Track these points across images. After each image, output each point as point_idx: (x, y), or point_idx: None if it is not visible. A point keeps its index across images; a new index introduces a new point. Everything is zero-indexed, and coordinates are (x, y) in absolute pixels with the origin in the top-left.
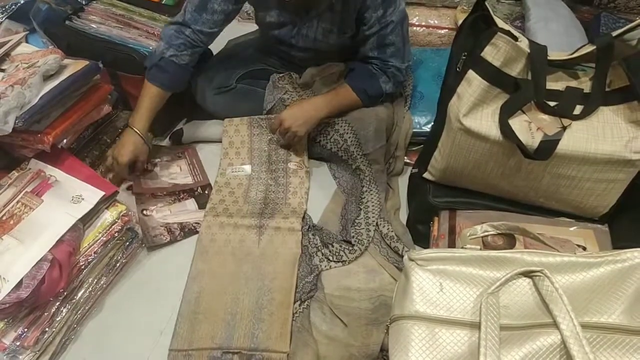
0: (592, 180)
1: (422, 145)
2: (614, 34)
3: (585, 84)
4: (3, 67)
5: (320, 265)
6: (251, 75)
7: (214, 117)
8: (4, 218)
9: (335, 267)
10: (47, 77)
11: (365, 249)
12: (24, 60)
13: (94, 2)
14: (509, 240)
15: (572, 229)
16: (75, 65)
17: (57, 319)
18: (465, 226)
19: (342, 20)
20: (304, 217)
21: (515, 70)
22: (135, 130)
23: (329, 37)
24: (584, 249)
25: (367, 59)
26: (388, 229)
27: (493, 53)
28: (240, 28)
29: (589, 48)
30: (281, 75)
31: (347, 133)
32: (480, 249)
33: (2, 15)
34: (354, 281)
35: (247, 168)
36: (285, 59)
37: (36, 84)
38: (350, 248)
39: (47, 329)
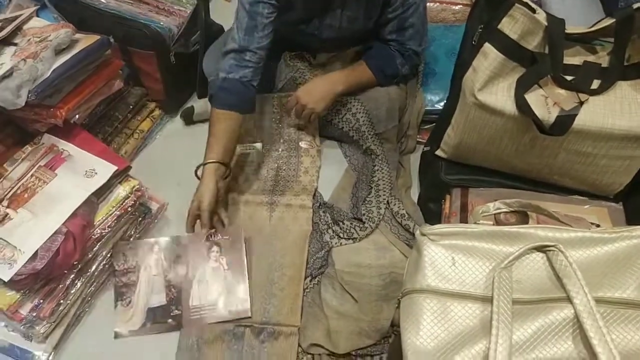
0: (608, 157)
1: (434, 124)
2: (635, 6)
3: (603, 59)
4: (15, 41)
5: (331, 242)
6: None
7: None
8: (19, 191)
9: (346, 244)
10: (58, 51)
11: (376, 227)
12: (36, 34)
13: None
14: (521, 217)
15: (586, 207)
16: (86, 40)
17: (72, 291)
18: (478, 204)
19: (368, 5)
20: (314, 195)
21: (532, 43)
22: (215, 162)
23: (354, 23)
24: (598, 227)
25: (386, 41)
26: (399, 206)
27: (510, 25)
28: None
29: (608, 21)
30: (294, 53)
31: (360, 112)
32: (494, 225)
33: None
34: (365, 258)
35: (258, 145)
36: (304, 46)
37: (48, 57)
38: (361, 225)
39: (62, 301)
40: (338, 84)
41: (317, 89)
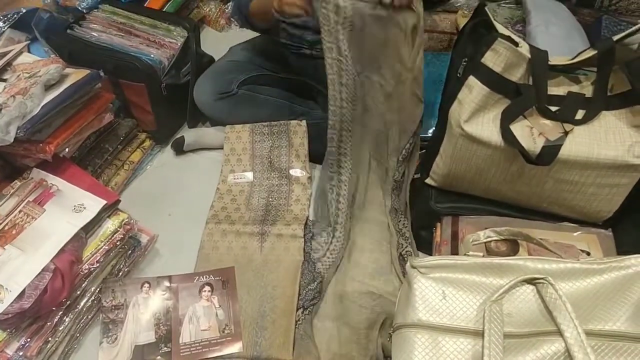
0: (595, 185)
1: (424, 151)
2: (615, 38)
3: (587, 89)
4: (5, 77)
5: (324, 273)
6: (253, 81)
7: (216, 123)
8: (6, 228)
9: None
10: (48, 87)
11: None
12: (26, 70)
13: (95, 10)
14: (512, 246)
15: (575, 234)
16: (76, 75)
17: (60, 329)
18: (468, 232)
19: None
20: (306, 224)
21: (516, 75)
22: None
23: None
24: (588, 254)
25: None
26: (404, 224)
27: (494, 59)
28: (241, 34)
29: (590, 53)
30: None
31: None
32: (483, 256)
33: (4, 25)
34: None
35: (249, 175)
36: (294, 48)
37: (38, 93)
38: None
39: (49, 339)
40: None
41: None
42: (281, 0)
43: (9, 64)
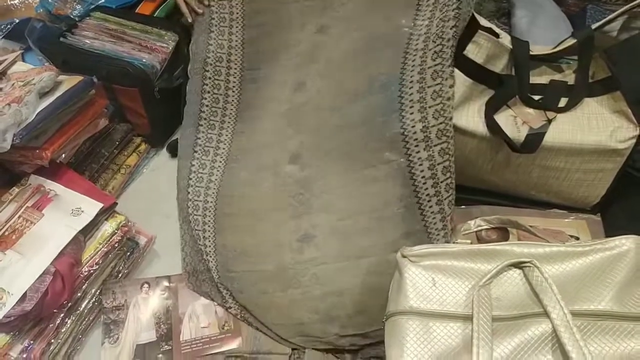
0: (581, 170)
1: None
2: (594, 26)
3: (569, 77)
4: (0, 86)
5: None
6: None
7: None
8: (7, 233)
9: None
10: (43, 94)
11: None
12: (20, 78)
13: (87, 17)
14: (502, 233)
15: (564, 220)
16: (70, 81)
17: (62, 330)
18: (459, 222)
19: None
20: None
21: (499, 66)
22: None
23: None
24: (577, 239)
25: None
26: None
27: (475, 51)
28: None
29: (570, 41)
30: None
31: None
32: (472, 243)
33: None
34: None
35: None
36: None
37: (32, 101)
38: None
39: (52, 341)
40: None
41: None
42: None
43: (3, 73)
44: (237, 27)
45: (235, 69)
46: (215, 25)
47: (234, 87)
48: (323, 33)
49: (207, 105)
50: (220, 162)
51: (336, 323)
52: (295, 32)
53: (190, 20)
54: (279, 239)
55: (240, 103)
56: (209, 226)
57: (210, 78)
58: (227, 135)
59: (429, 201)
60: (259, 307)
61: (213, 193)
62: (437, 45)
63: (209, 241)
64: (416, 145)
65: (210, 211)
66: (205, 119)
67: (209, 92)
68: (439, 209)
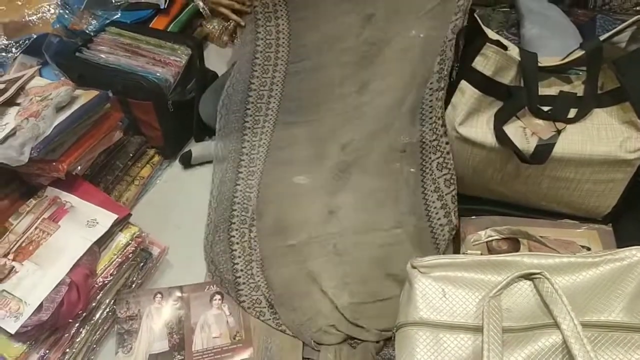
0: (591, 181)
1: None
2: (602, 37)
3: (578, 88)
4: (18, 101)
5: None
6: None
7: None
8: (24, 244)
9: None
10: (59, 109)
11: None
12: (38, 93)
13: (102, 33)
14: (513, 244)
15: (575, 230)
16: (86, 96)
17: (77, 340)
18: (470, 232)
19: None
20: None
21: (508, 78)
22: None
23: None
24: (589, 249)
25: None
26: None
27: (484, 63)
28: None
29: (579, 53)
30: None
31: None
32: (482, 254)
33: (16, 50)
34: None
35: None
36: None
37: (49, 115)
38: None
39: (67, 350)
40: None
41: None
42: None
43: (22, 88)
44: (283, 24)
45: (282, 65)
46: (262, 26)
47: (278, 81)
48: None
49: (252, 103)
50: (263, 150)
51: (346, 290)
52: (339, 26)
53: (243, 24)
54: (309, 216)
55: (283, 96)
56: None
57: (257, 77)
58: (269, 127)
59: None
60: (276, 284)
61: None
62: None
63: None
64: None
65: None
66: (251, 115)
67: (255, 89)
68: (434, 187)
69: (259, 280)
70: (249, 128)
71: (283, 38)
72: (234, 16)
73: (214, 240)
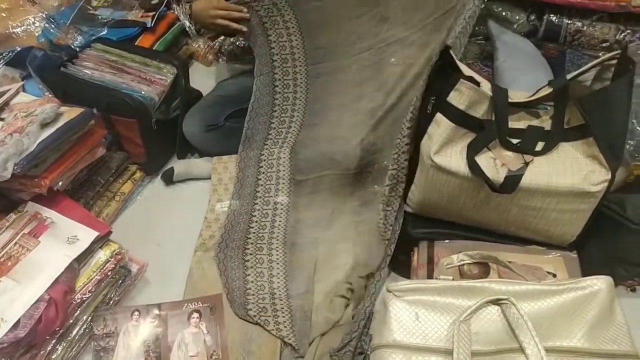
0: (557, 210)
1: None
2: (568, 76)
3: (546, 122)
4: (2, 116)
5: None
6: (239, 114)
7: (204, 154)
8: (2, 260)
9: None
10: (44, 125)
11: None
12: (22, 109)
13: (88, 49)
14: (484, 268)
15: (543, 256)
16: (70, 113)
17: (53, 357)
18: (443, 256)
19: None
20: None
21: (480, 112)
22: None
23: None
24: (554, 275)
25: None
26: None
27: (457, 98)
28: (228, 70)
29: (547, 90)
30: None
31: None
32: (454, 279)
33: None
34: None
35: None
36: None
37: (34, 132)
38: None
39: None
40: None
41: None
42: (214, 16)
43: (6, 103)
44: (292, 26)
45: (300, 66)
46: (271, 29)
47: (301, 83)
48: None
49: (278, 105)
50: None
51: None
52: (354, 26)
53: (245, 29)
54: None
55: (308, 97)
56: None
57: (280, 80)
58: (295, 128)
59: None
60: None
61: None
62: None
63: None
64: None
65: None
66: (277, 117)
67: (279, 92)
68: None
69: (266, 291)
70: (274, 129)
71: (296, 40)
72: (234, 25)
73: (227, 249)
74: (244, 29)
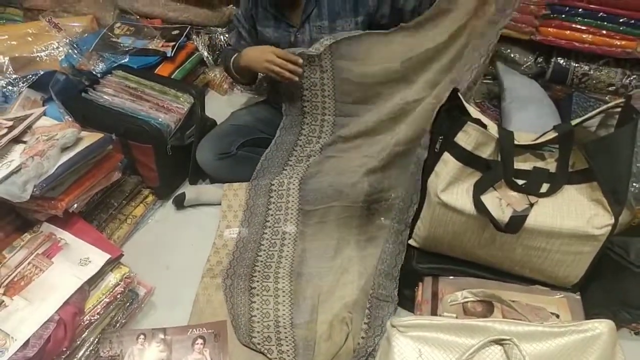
0: (561, 252)
1: None
2: (574, 122)
3: (551, 165)
4: (25, 139)
5: None
6: (251, 143)
7: (215, 181)
8: (16, 279)
9: None
10: (64, 149)
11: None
12: (44, 132)
13: (109, 75)
14: (487, 306)
15: (546, 297)
16: (90, 138)
17: None
18: (447, 292)
19: (330, 9)
20: None
21: (486, 152)
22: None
23: (321, 30)
24: (557, 316)
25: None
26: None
27: (465, 138)
28: (243, 98)
29: (552, 134)
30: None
31: None
32: (457, 316)
33: (23, 85)
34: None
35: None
36: None
37: (54, 155)
38: None
39: None
40: None
41: None
42: (270, 62)
43: (29, 127)
44: (328, 80)
45: (329, 115)
46: (306, 78)
47: (327, 130)
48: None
49: (300, 146)
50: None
51: (345, 302)
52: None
53: (297, 79)
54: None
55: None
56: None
57: (308, 124)
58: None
59: None
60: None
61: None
62: None
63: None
64: None
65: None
66: (296, 155)
67: (304, 135)
68: None
69: (271, 319)
70: (290, 166)
71: (328, 91)
72: (287, 74)
73: (235, 276)
74: (296, 78)
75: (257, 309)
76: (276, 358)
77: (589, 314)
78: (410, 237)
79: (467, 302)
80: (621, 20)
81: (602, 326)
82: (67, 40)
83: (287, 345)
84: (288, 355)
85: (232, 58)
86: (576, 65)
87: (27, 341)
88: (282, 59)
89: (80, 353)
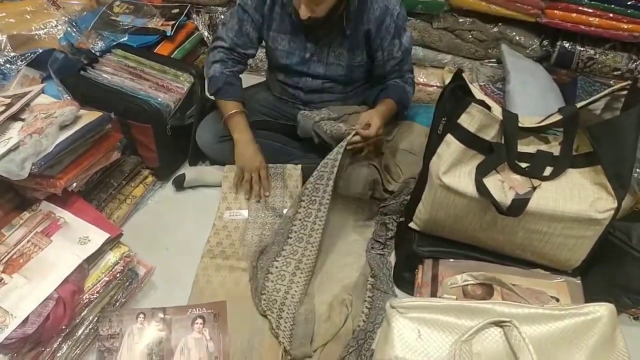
0: (563, 235)
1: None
2: (579, 105)
3: (555, 148)
4: (23, 117)
5: None
6: (252, 125)
7: (215, 162)
8: (15, 257)
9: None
10: (62, 127)
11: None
12: (42, 110)
13: (108, 54)
14: (487, 289)
15: (547, 280)
16: (89, 116)
17: (58, 355)
18: (447, 275)
19: (352, 43)
20: None
21: (490, 135)
22: (250, 140)
23: (340, 59)
24: (557, 300)
25: (386, 80)
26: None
27: (468, 120)
28: (246, 81)
29: (557, 117)
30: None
31: None
32: (457, 299)
33: (21, 63)
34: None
35: (245, 212)
36: (289, 103)
37: (52, 133)
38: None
39: None
40: (382, 118)
41: (378, 117)
42: (247, 174)
43: (27, 104)
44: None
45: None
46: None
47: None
48: None
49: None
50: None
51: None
52: None
53: (267, 195)
54: None
55: None
56: None
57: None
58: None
59: None
60: None
61: None
62: None
63: None
64: None
65: None
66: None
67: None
68: None
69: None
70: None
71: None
72: (256, 188)
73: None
74: (267, 194)
75: (272, 280)
76: (274, 328)
77: (589, 299)
78: (411, 220)
79: (467, 284)
80: (629, 3)
81: (602, 309)
82: (66, 19)
83: (286, 324)
84: (283, 330)
85: (224, 104)
86: (582, 49)
87: (27, 318)
88: (259, 183)
89: (80, 331)
